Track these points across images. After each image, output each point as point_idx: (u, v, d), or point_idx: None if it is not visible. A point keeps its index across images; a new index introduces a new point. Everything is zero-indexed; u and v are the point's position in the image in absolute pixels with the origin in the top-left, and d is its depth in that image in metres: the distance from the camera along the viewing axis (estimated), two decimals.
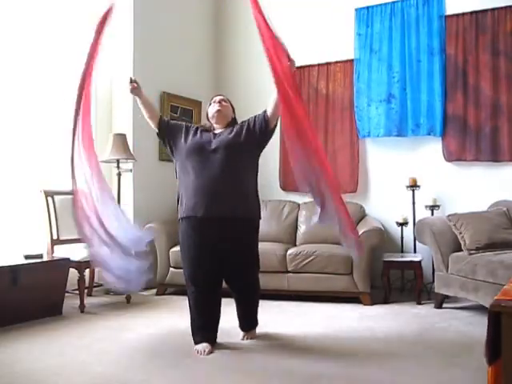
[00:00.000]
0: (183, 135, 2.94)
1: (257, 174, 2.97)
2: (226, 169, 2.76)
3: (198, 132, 2.95)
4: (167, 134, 2.99)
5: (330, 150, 4.98)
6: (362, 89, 4.86)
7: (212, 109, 3.01)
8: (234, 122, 3.06)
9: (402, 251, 4.55)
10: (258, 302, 3.09)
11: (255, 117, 2.93)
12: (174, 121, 3.21)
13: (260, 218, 2.97)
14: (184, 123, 3.09)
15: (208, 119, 3.07)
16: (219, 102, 3.00)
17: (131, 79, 2.95)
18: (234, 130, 2.91)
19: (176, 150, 2.95)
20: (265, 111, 2.89)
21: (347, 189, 4.81)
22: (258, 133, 2.88)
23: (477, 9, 4.47)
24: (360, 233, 3.85)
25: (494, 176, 4.43)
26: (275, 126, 2.92)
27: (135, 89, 2.94)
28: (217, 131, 2.96)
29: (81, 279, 3.84)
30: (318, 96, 5.09)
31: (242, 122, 2.96)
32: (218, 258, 2.82)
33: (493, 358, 1.58)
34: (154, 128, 3.04)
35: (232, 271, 2.92)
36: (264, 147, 2.97)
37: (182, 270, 2.98)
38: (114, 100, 4.83)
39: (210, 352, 2.74)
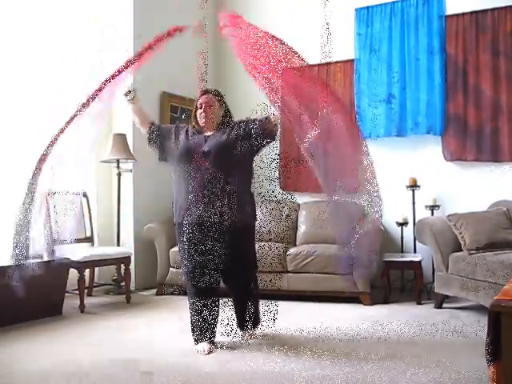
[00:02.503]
0: (174, 139, 2.91)
1: (252, 176, 2.93)
2: (218, 173, 2.72)
3: (190, 134, 2.91)
4: (159, 139, 2.96)
5: None
6: (362, 89, 4.86)
7: (198, 115, 2.92)
8: (227, 116, 2.96)
9: (402, 251, 4.55)
10: (257, 302, 3.08)
11: (254, 120, 2.85)
12: (165, 125, 3.17)
13: (256, 219, 2.95)
14: (174, 126, 3.04)
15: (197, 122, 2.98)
16: (202, 108, 2.89)
17: (131, 90, 2.99)
18: (227, 131, 2.85)
19: (169, 156, 2.93)
20: (266, 117, 2.81)
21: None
22: (255, 136, 2.79)
23: (477, 9, 4.47)
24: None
25: (494, 176, 4.43)
26: (274, 134, 2.83)
27: (132, 98, 2.98)
28: (208, 133, 2.90)
29: (81, 279, 3.85)
30: None
31: (239, 122, 2.89)
32: (215, 261, 2.80)
33: (493, 358, 1.58)
34: (145, 133, 3.02)
35: (229, 273, 2.91)
36: (258, 151, 2.88)
37: (182, 270, 2.98)
38: (114, 100, 4.81)
39: (210, 352, 2.74)
